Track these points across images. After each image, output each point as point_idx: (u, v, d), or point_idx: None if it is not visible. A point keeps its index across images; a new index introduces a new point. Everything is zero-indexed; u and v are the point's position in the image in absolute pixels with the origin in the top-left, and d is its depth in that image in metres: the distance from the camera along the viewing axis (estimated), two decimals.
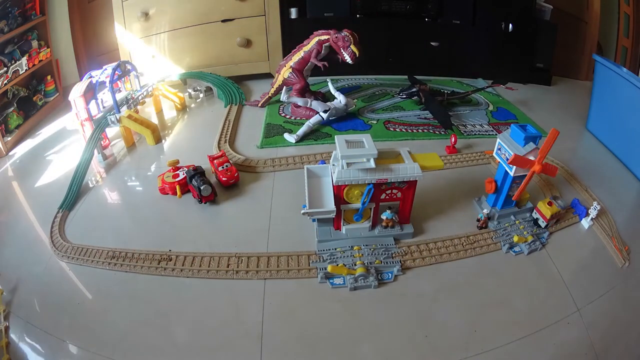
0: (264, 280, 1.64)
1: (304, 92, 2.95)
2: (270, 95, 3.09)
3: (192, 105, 3.29)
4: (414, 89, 2.92)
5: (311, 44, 2.80)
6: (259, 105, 3.11)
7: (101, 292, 1.65)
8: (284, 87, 3.03)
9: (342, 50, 2.69)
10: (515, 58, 3.56)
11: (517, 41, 3.48)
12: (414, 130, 2.75)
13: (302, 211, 1.63)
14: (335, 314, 1.52)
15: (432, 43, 3.59)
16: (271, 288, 1.61)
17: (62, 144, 2.81)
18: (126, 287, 1.65)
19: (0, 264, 1.81)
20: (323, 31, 2.77)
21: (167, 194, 2.16)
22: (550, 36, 3.49)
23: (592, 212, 1.88)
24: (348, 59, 2.70)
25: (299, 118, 2.93)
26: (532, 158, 1.69)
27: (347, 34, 2.65)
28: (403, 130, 2.76)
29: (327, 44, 2.76)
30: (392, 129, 2.77)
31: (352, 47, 2.66)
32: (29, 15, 3.03)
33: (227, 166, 2.19)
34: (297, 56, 2.86)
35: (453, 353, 1.39)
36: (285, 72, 2.92)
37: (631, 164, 2.40)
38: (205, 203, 2.07)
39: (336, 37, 2.67)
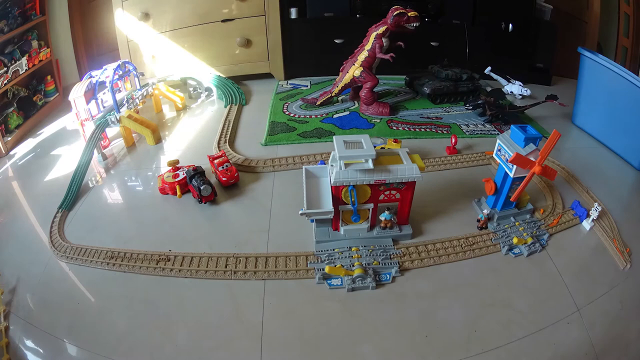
0: (264, 280, 1.64)
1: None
2: (333, 94, 3.07)
3: (192, 105, 3.29)
4: (480, 101, 2.93)
5: (371, 40, 2.80)
6: (317, 103, 3.09)
7: (101, 292, 1.65)
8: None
9: (406, 26, 2.72)
10: (515, 58, 3.55)
11: (517, 41, 3.48)
12: (417, 130, 2.76)
13: (300, 212, 1.63)
14: (335, 315, 1.51)
15: (432, 43, 3.59)
16: (271, 288, 1.61)
17: (62, 144, 2.81)
18: (125, 288, 1.65)
19: (1, 263, 1.81)
20: (376, 25, 2.78)
21: (167, 194, 2.16)
22: (551, 36, 3.49)
23: (593, 214, 1.88)
24: (416, 25, 2.73)
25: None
26: (532, 159, 1.69)
27: (398, 12, 2.67)
28: (406, 129, 2.77)
29: (387, 35, 2.77)
30: (395, 128, 2.78)
31: (410, 14, 2.69)
32: (29, 15, 3.03)
33: (227, 166, 2.19)
34: (362, 55, 2.85)
35: (454, 353, 1.39)
36: (355, 71, 2.88)
37: (624, 153, 2.47)
38: (205, 203, 2.07)
39: (393, 21, 2.69)
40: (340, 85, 3.00)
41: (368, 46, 2.82)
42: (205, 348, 1.42)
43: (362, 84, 2.92)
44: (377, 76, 2.90)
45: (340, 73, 3.00)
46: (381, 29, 2.75)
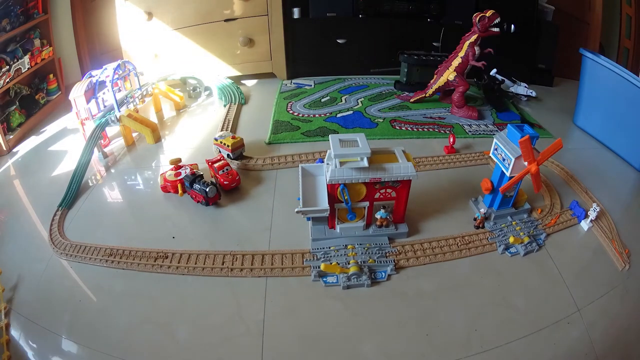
0: (266, 278, 1.64)
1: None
2: (426, 95, 3.12)
3: (192, 104, 3.29)
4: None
5: (464, 48, 2.84)
6: (411, 100, 3.16)
7: (101, 289, 1.65)
8: None
9: (492, 29, 2.73)
10: (517, 59, 3.54)
11: (519, 42, 3.47)
12: (420, 130, 2.77)
13: (296, 210, 1.63)
14: (336, 313, 1.51)
15: (435, 43, 3.59)
16: (272, 286, 1.61)
17: (63, 143, 2.82)
18: (126, 285, 1.66)
19: (1, 261, 1.81)
20: (468, 34, 2.82)
21: (169, 192, 2.16)
22: (552, 37, 3.48)
23: (592, 214, 1.87)
24: (498, 22, 2.72)
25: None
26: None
27: (479, 17, 2.70)
28: (409, 129, 2.78)
29: (478, 42, 2.80)
30: (398, 128, 2.79)
31: (487, 15, 2.69)
32: (32, 13, 3.04)
33: (227, 170, 2.17)
34: (456, 61, 2.89)
35: (454, 351, 1.39)
36: (450, 75, 2.92)
37: (625, 154, 2.48)
38: (212, 205, 2.06)
39: (481, 26, 2.71)
40: (434, 87, 3.04)
41: (461, 53, 2.85)
42: (206, 345, 1.42)
43: (454, 88, 2.96)
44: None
45: (435, 76, 3.04)
46: (473, 38, 2.78)
